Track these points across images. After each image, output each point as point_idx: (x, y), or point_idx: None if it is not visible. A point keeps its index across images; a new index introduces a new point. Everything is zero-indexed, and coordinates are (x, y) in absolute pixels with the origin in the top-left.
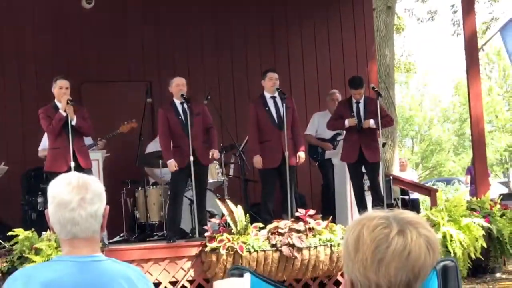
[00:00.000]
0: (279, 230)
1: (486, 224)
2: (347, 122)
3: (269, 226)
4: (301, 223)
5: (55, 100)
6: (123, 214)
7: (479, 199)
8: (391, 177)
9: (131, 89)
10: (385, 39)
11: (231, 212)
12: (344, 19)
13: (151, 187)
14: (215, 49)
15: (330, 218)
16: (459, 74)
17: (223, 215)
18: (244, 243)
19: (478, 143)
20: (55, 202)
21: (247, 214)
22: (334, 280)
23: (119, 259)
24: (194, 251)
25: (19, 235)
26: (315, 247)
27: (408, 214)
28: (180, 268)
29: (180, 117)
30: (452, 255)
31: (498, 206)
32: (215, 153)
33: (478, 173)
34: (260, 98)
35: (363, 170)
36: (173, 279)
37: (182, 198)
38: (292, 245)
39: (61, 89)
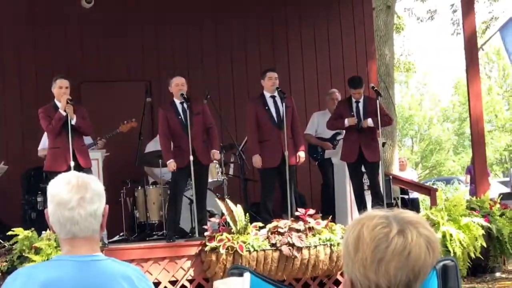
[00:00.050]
0: (279, 230)
1: (485, 224)
2: (346, 122)
3: (269, 226)
4: (301, 222)
5: (55, 100)
6: (123, 213)
7: (478, 198)
8: (390, 177)
9: (130, 88)
10: (384, 38)
11: (230, 212)
12: (344, 19)
13: (151, 187)
14: (214, 48)
15: (329, 218)
16: (458, 73)
17: (222, 214)
18: (244, 242)
19: (478, 143)
20: (54, 202)
21: (247, 214)
22: (334, 279)
23: (118, 259)
24: (194, 250)
25: (19, 235)
26: (315, 246)
27: (408, 214)
28: (180, 267)
29: (180, 117)
30: (451, 254)
31: (498, 205)
32: (215, 153)
33: (477, 172)
34: (259, 97)
35: (363, 169)
36: (173, 279)
37: (182, 198)
38: (292, 245)
39: (60, 89)
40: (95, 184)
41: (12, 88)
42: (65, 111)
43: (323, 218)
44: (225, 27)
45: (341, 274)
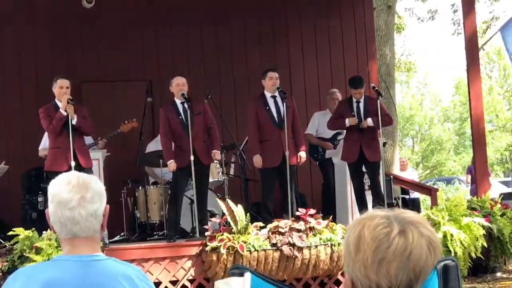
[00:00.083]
0: (280, 230)
1: (486, 224)
2: (347, 122)
3: (270, 226)
4: (301, 222)
5: (56, 100)
6: (124, 213)
7: (479, 198)
8: (391, 177)
9: (131, 88)
10: (385, 38)
11: (231, 212)
12: (345, 19)
13: (152, 187)
14: (215, 48)
15: (330, 218)
16: (459, 73)
17: (223, 214)
18: (245, 242)
19: (479, 143)
20: (55, 201)
21: (248, 214)
22: (335, 279)
23: (119, 259)
24: (194, 250)
25: (19, 235)
26: (316, 246)
27: (409, 214)
28: (181, 267)
29: (180, 117)
30: (452, 254)
31: (499, 205)
32: (216, 153)
33: (478, 172)
34: (260, 97)
35: (364, 169)
36: (174, 279)
37: (182, 198)
38: (293, 245)
39: (61, 89)
40: (95, 184)
41: (13, 88)
42: (65, 111)
43: (323, 218)
44: (225, 27)
45: (342, 274)
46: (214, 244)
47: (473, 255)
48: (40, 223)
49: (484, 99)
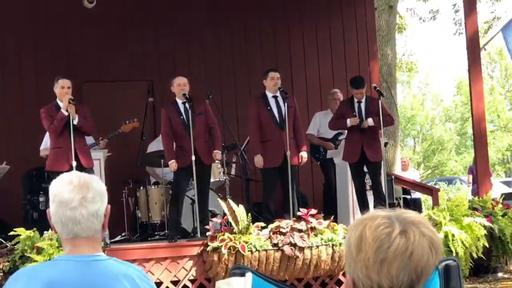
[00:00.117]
0: (281, 230)
1: (488, 224)
2: (349, 122)
3: (271, 226)
4: (303, 222)
5: (57, 100)
6: (125, 213)
7: (481, 198)
8: (393, 177)
9: (132, 88)
10: (387, 38)
11: (232, 212)
12: (346, 19)
13: (153, 187)
14: (216, 48)
15: (331, 218)
16: (461, 73)
17: (224, 214)
18: (246, 242)
19: (480, 143)
20: (56, 201)
21: (249, 214)
22: (336, 279)
23: (120, 259)
24: (195, 250)
25: (20, 235)
26: (317, 246)
27: (411, 214)
28: (182, 267)
29: (182, 117)
30: (454, 254)
31: (500, 205)
32: (217, 154)
33: (480, 172)
34: (261, 97)
35: (365, 169)
36: (175, 279)
37: (184, 198)
38: (294, 245)
39: (63, 89)
40: (97, 184)
41: (14, 88)
42: (67, 111)
43: (325, 218)
44: (226, 27)
45: (343, 274)
46: (215, 244)
47: (475, 255)
48: (41, 223)
49: (485, 99)
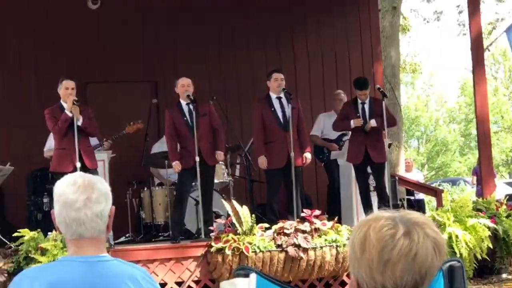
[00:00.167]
0: (285, 231)
1: (492, 225)
2: (352, 123)
3: (275, 227)
4: (306, 223)
5: (61, 101)
6: (129, 214)
7: (485, 199)
8: (396, 178)
9: (136, 89)
10: (390, 39)
11: (236, 213)
12: (350, 20)
13: (157, 188)
14: (220, 49)
15: (335, 219)
16: (465, 74)
17: (228, 215)
18: (250, 243)
19: (484, 144)
20: (60, 202)
21: (253, 215)
22: (340, 280)
23: (124, 260)
24: (199, 251)
25: (25, 236)
26: (321, 247)
27: (415, 215)
28: (186, 268)
29: (185, 118)
30: (458, 256)
31: (504, 206)
32: (219, 155)
33: (484, 173)
34: (265, 98)
35: (369, 170)
36: (179, 280)
37: (188, 199)
38: (298, 246)
39: (67, 90)
40: (101, 185)
41: (17, 89)
42: (71, 112)
43: (329, 219)
44: (230, 28)
45: (347, 275)
46: (219, 245)
47: (479, 256)
48: (45, 224)
49: (489, 100)
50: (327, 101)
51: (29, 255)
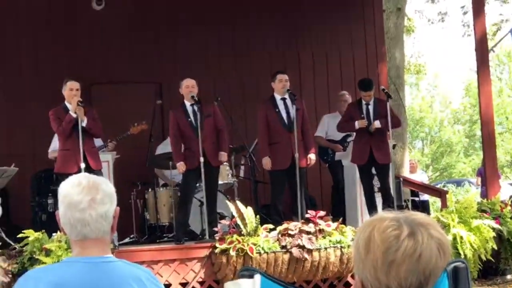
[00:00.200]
0: (289, 232)
1: (496, 226)
2: (357, 124)
3: (279, 228)
4: (311, 224)
5: (66, 102)
6: (133, 215)
7: (489, 200)
8: (401, 179)
9: (141, 90)
10: (395, 40)
11: (241, 214)
12: (354, 21)
13: (161, 189)
14: (224, 50)
15: (340, 220)
16: (469, 75)
17: (233, 216)
18: (254, 244)
19: (489, 145)
20: (65, 203)
21: (257, 216)
22: (344, 281)
23: (129, 261)
24: (204, 252)
25: (29, 237)
26: (325, 248)
27: (419, 216)
28: (190, 269)
29: (190, 119)
30: (462, 257)
31: (509, 207)
32: (223, 155)
33: (488, 174)
34: (270, 99)
35: (373, 171)
36: (183, 281)
37: (192, 200)
38: (302, 247)
39: (71, 91)
40: (106, 186)
41: (22, 89)
42: (75, 113)
43: (333, 220)
44: (235, 30)
45: (352, 276)
46: (224, 246)
47: (483, 258)
48: (50, 225)
49: (494, 101)
50: (331, 102)
51: (34, 256)
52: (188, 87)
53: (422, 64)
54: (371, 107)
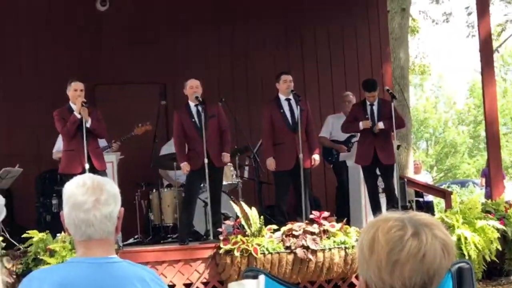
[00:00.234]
0: (294, 232)
1: (501, 227)
2: (361, 125)
3: (284, 228)
4: (315, 225)
5: (70, 102)
6: (138, 216)
7: (494, 201)
8: (405, 180)
9: (145, 91)
10: (399, 41)
11: (245, 214)
12: (359, 22)
13: (165, 189)
14: (229, 51)
15: (344, 220)
16: (474, 76)
17: (237, 217)
18: (259, 245)
19: (493, 145)
20: (69, 203)
21: (262, 216)
22: (349, 282)
23: (133, 261)
24: (208, 253)
25: (33, 237)
26: (330, 249)
27: (423, 216)
28: (195, 270)
29: (194, 120)
30: (466, 257)
31: None
32: (225, 156)
33: (493, 175)
34: (274, 100)
35: (378, 172)
36: (188, 281)
37: (196, 200)
38: (307, 247)
39: (76, 92)
40: (110, 186)
41: (26, 90)
42: (80, 113)
43: (337, 221)
44: (239, 30)
45: (356, 277)
46: (228, 246)
47: (488, 258)
48: (54, 226)
49: (498, 102)
50: (336, 103)
51: (38, 256)
52: (193, 87)
53: (426, 64)
54: (375, 108)
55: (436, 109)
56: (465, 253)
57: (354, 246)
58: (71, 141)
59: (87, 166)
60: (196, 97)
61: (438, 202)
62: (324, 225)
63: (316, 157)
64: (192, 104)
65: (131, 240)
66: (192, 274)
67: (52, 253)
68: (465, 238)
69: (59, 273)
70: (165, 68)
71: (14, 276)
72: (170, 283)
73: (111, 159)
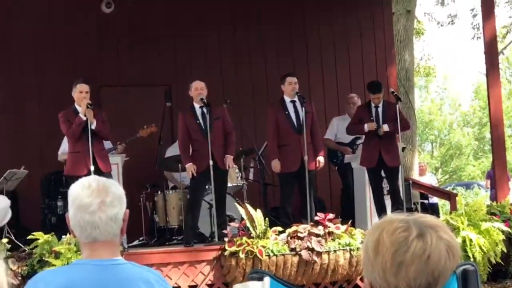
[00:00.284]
0: (299, 234)
1: (506, 229)
2: (366, 127)
3: (289, 230)
4: (320, 227)
5: (75, 104)
6: (143, 218)
7: (499, 203)
8: (410, 181)
9: (150, 93)
10: (404, 43)
11: (250, 216)
12: (364, 23)
13: (171, 191)
14: (234, 53)
15: (349, 222)
16: (479, 78)
17: (242, 219)
18: (264, 247)
19: (498, 147)
20: (75, 205)
21: (267, 218)
22: (354, 284)
23: (138, 263)
24: (213, 255)
25: (39, 239)
26: (335, 251)
27: (428, 218)
28: (200, 272)
29: (198, 122)
30: (471, 259)
31: None
32: (228, 158)
33: (498, 177)
34: (279, 102)
35: (383, 174)
36: (193, 283)
37: (201, 202)
38: (312, 249)
39: (81, 93)
40: (115, 188)
41: (32, 92)
42: (85, 115)
43: (342, 223)
44: (244, 32)
45: (361, 279)
46: (233, 248)
47: (493, 260)
48: (60, 228)
49: (503, 104)
50: (340, 105)
51: (43, 258)
52: (197, 89)
53: (431, 66)
54: (380, 110)
55: (441, 111)
56: (470, 255)
57: (359, 248)
58: (77, 143)
59: (92, 168)
60: (201, 99)
61: (443, 204)
62: (329, 227)
63: (321, 159)
64: (197, 106)
65: (136, 242)
66: (197, 276)
67: (57, 255)
68: (470, 240)
69: (64, 275)
70: (170, 69)
71: (19, 278)
72: (175, 285)
73: (116, 161)
